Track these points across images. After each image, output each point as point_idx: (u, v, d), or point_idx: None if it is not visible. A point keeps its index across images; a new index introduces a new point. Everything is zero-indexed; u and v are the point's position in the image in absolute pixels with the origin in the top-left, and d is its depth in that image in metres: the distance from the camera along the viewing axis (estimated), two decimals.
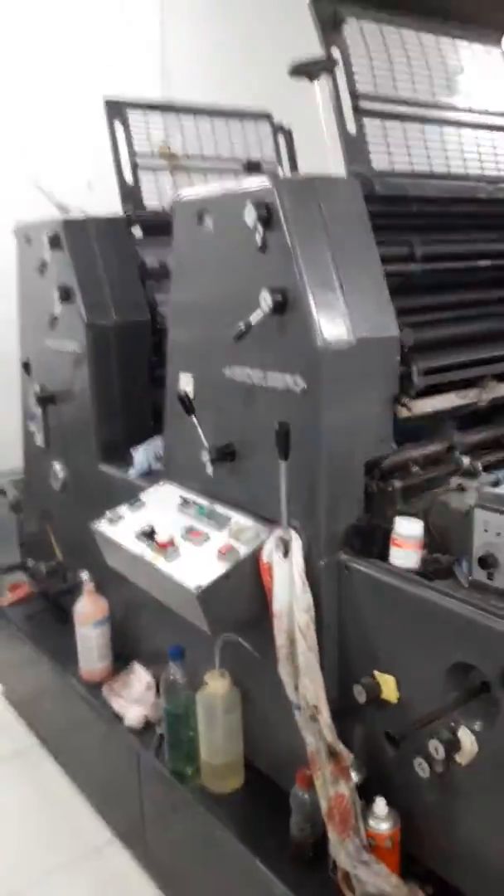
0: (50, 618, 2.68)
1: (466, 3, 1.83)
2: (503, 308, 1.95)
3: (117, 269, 2.24)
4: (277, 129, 2.74)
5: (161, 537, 1.64)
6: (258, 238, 1.42)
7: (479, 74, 1.94)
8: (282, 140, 2.75)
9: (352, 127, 1.61)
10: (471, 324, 1.83)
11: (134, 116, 2.44)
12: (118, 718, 2.10)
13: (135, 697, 2.12)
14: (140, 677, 2.20)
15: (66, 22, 3.71)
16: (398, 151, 1.70)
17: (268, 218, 1.43)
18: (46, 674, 2.50)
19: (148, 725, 2.05)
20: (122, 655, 2.32)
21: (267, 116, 2.73)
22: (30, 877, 2.10)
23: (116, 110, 2.41)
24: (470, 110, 1.89)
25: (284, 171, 2.75)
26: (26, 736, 2.72)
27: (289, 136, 2.75)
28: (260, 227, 1.42)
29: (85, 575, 2.42)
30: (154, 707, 2.06)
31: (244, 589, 1.53)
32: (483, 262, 1.88)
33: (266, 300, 1.43)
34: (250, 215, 1.43)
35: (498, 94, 1.98)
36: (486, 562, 1.27)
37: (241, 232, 1.49)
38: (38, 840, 2.24)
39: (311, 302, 1.41)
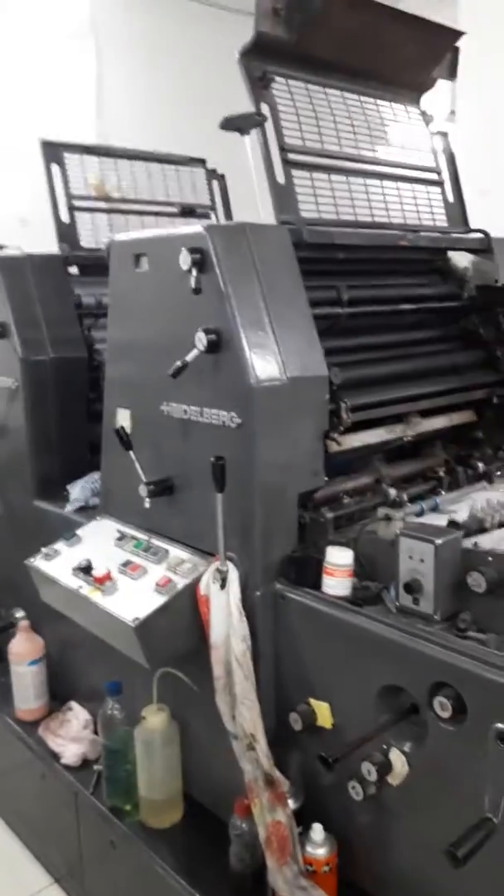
0: None
1: (387, 66, 1.96)
2: (425, 349, 2.08)
3: (54, 306, 2.26)
4: (211, 175, 2.84)
5: (98, 572, 1.66)
6: (192, 281, 1.48)
7: (400, 131, 2.07)
8: (216, 185, 2.84)
9: (281, 178, 1.70)
10: (395, 363, 1.93)
11: (70, 158, 2.49)
12: (55, 757, 2.07)
13: (72, 735, 2.11)
14: (78, 715, 2.18)
15: (2, 65, 3.76)
16: (325, 201, 1.80)
17: (201, 262, 1.49)
18: None
19: (85, 763, 2.04)
20: (58, 694, 2.30)
21: (202, 162, 2.83)
22: None
23: (53, 151, 2.46)
24: (391, 164, 2.02)
25: (218, 215, 2.84)
26: None
27: (222, 181, 2.85)
28: (194, 271, 1.49)
29: (20, 613, 2.40)
30: (92, 744, 2.05)
31: (182, 621, 1.56)
32: (406, 306, 1.99)
33: (201, 340, 1.49)
34: (185, 259, 1.49)
35: (417, 149, 2.12)
36: (412, 587, 1.34)
37: (176, 274, 1.55)
38: None
39: (244, 342, 1.48)
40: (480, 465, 1.97)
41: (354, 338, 1.87)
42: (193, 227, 1.54)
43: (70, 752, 2.05)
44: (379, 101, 2.01)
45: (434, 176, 2.14)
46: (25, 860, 2.25)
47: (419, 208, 2.09)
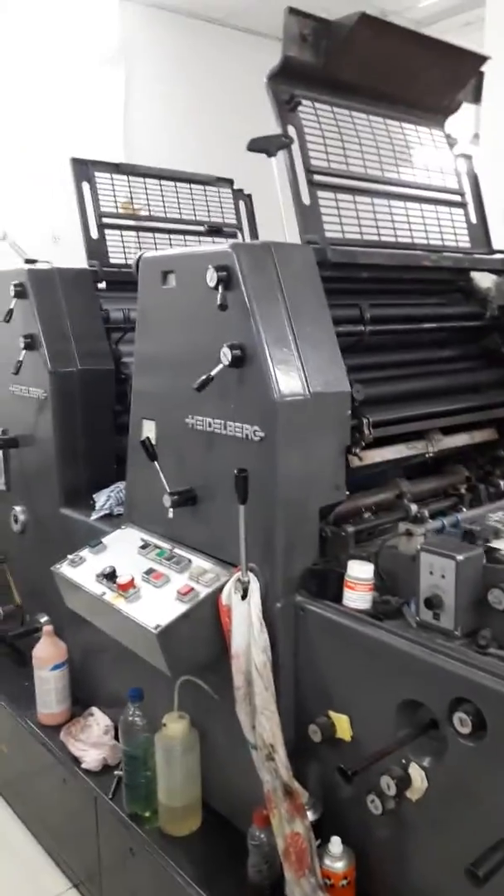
0: (8, 661, 2.68)
1: (412, 90, 2.00)
2: (447, 367, 2.10)
3: (82, 319, 2.32)
4: (238, 195, 2.89)
5: (122, 579, 1.69)
6: (219, 297, 1.52)
7: (424, 153, 2.11)
8: (242, 205, 2.90)
9: (307, 198, 1.74)
10: (416, 381, 1.96)
11: (100, 176, 2.56)
12: (76, 762, 2.10)
13: (93, 741, 2.14)
14: (99, 721, 2.22)
15: (35, 86, 3.87)
16: (349, 222, 1.84)
17: (228, 279, 1.53)
18: (3, 718, 2.49)
19: (106, 768, 2.07)
20: (80, 699, 2.34)
21: (229, 182, 2.88)
22: None
23: (83, 170, 2.52)
24: (415, 185, 2.05)
25: (244, 235, 2.89)
26: None
27: (249, 201, 2.90)
28: (220, 288, 1.53)
29: (44, 618, 2.45)
30: (112, 750, 2.08)
31: (203, 630, 1.59)
32: (428, 325, 2.02)
33: (226, 355, 1.53)
34: (211, 277, 1.53)
35: (440, 172, 2.15)
36: (432, 602, 1.36)
37: (202, 291, 1.59)
38: None
39: (269, 358, 1.51)
40: (502, 483, 1.98)
41: (377, 355, 1.90)
42: (220, 245, 1.58)
43: (91, 757, 2.08)
44: (404, 125, 2.04)
45: (457, 198, 2.17)
46: (45, 864, 2.28)
47: (442, 229, 2.12)
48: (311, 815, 1.53)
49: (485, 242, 2.22)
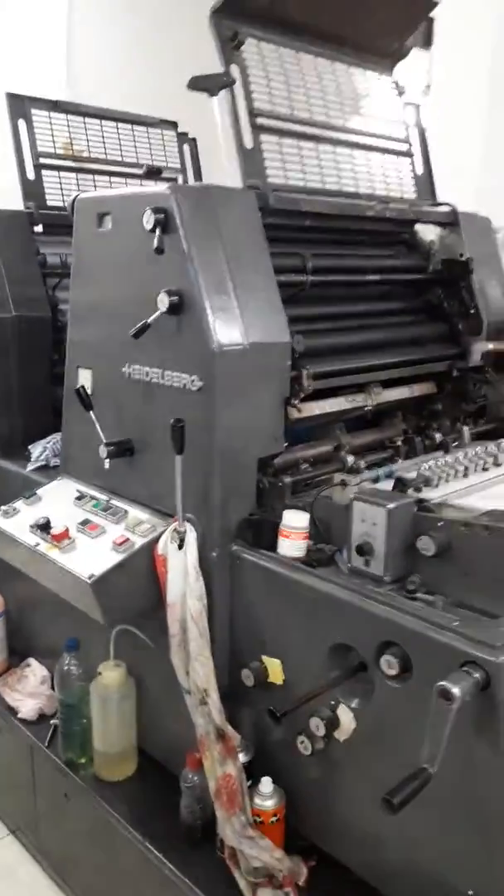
0: None
1: (361, 32, 1.96)
2: (389, 320, 2.10)
3: (17, 264, 2.24)
4: (182, 138, 2.80)
5: (56, 529, 1.67)
6: (156, 240, 1.48)
7: (372, 100, 2.07)
8: (186, 149, 2.81)
9: (249, 142, 1.69)
10: (358, 333, 1.96)
11: (38, 114, 2.44)
12: (12, 712, 2.10)
13: (29, 691, 2.14)
14: (35, 671, 2.21)
15: None
16: (292, 168, 1.80)
17: (165, 222, 1.49)
18: None
19: (42, 718, 2.08)
20: (17, 651, 2.32)
21: (173, 125, 2.79)
22: None
23: (19, 106, 2.40)
24: (362, 133, 2.02)
25: (188, 179, 2.81)
26: None
27: (193, 145, 2.82)
28: (158, 231, 1.48)
29: None
30: (49, 700, 2.09)
31: (138, 579, 1.59)
32: (371, 277, 2.01)
33: (163, 301, 1.49)
34: (148, 219, 1.49)
35: (388, 120, 2.12)
36: (363, 549, 1.38)
37: (140, 234, 1.54)
38: None
39: (207, 305, 1.48)
40: (438, 436, 2.01)
41: (318, 306, 1.88)
42: (159, 187, 1.53)
43: (27, 706, 2.08)
44: (352, 69, 2.00)
45: (404, 147, 2.15)
46: None
47: (388, 179, 2.10)
48: (242, 757, 1.57)
49: (430, 194, 2.21)
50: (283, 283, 1.68)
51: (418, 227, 2.25)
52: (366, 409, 1.98)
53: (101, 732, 1.84)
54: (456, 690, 1.12)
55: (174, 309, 1.50)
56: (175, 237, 1.50)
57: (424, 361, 2.05)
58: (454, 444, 2.01)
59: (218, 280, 1.51)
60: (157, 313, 1.51)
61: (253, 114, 1.72)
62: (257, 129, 1.72)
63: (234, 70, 1.70)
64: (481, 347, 2.10)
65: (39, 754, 1.99)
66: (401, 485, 1.54)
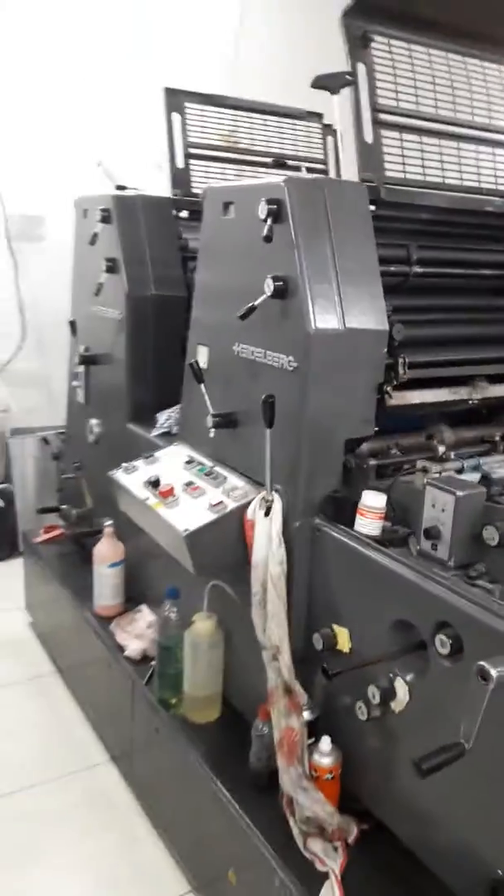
0: (77, 558, 2.95)
1: (497, 27, 1.95)
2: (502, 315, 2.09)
3: (160, 246, 2.45)
4: (327, 130, 2.89)
5: (163, 487, 1.86)
6: (265, 229, 1.60)
7: None
8: (330, 140, 2.90)
9: (369, 137, 1.77)
10: (468, 326, 1.97)
11: (191, 107, 2.63)
12: (120, 650, 2.34)
13: (137, 633, 2.37)
14: (146, 616, 2.44)
15: (144, 11, 3.94)
16: (413, 162, 1.85)
17: (277, 213, 1.61)
18: (67, 608, 2.77)
19: (145, 658, 2.29)
20: (134, 598, 2.57)
21: (318, 116, 2.89)
22: (30, 781, 2.38)
23: (175, 100, 2.61)
24: (491, 129, 2.01)
25: (329, 169, 2.90)
26: (46, 663, 3.01)
27: (336, 136, 2.90)
28: (269, 220, 1.61)
29: (108, 521, 2.68)
30: (152, 643, 2.29)
31: (228, 538, 1.74)
32: (487, 272, 2.01)
33: (269, 286, 1.62)
34: (262, 209, 1.62)
35: None
36: (431, 533, 1.44)
37: (257, 223, 1.67)
38: (41, 753, 2.51)
39: (308, 291, 1.59)
40: None
41: (428, 298, 1.93)
42: (274, 178, 1.65)
43: (133, 646, 2.31)
44: (486, 64, 2.00)
45: None
46: (90, 738, 2.57)
47: None
48: (307, 715, 1.68)
49: None
50: (390, 273, 1.75)
51: None
52: (470, 402, 1.99)
53: (190, 676, 2.02)
54: (493, 671, 1.17)
55: (279, 293, 1.62)
56: (285, 226, 1.62)
57: None
58: None
59: (321, 268, 1.61)
60: (263, 297, 1.64)
61: (376, 109, 1.79)
62: (379, 125, 1.79)
63: (361, 68, 1.77)
64: None
65: (138, 690, 2.21)
66: (486, 482, 1.57)
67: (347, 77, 1.71)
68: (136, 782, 2.30)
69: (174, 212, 2.57)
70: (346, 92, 1.85)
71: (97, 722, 2.59)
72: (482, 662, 1.19)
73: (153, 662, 2.22)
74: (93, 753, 2.50)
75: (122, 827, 2.21)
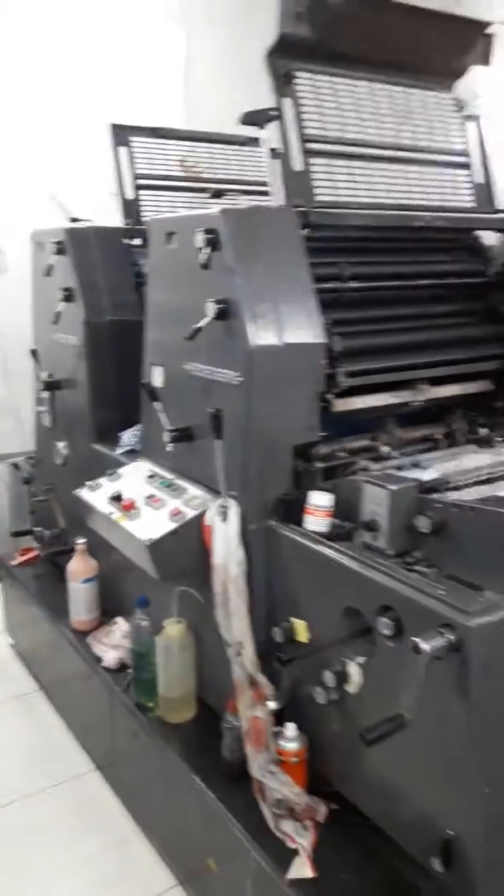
0: (53, 578, 3.05)
1: (415, 58, 2.11)
2: (442, 322, 2.24)
3: (114, 273, 2.57)
4: (275, 154, 3.04)
5: (125, 501, 1.98)
6: (203, 257, 1.74)
7: (428, 116, 2.22)
8: (277, 163, 3.04)
9: (299, 165, 1.91)
10: (406, 334, 2.12)
11: (137, 140, 2.77)
12: (98, 661, 2.44)
13: (113, 643, 2.47)
14: (121, 627, 2.54)
15: (98, 46, 4.09)
16: (344, 185, 2.00)
17: (215, 241, 1.74)
18: (45, 626, 2.86)
19: (122, 667, 2.39)
20: (109, 610, 2.67)
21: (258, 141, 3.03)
22: (20, 792, 2.46)
23: (121, 134, 2.75)
24: (415, 149, 2.17)
25: (278, 191, 3.04)
26: (29, 682, 3.09)
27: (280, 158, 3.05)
28: (208, 249, 1.74)
29: (80, 539, 2.78)
30: (128, 652, 2.40)
31: (189, 545, 1.86)
32: (422, 282, 2.16)
33: (212, 309, 1.75)
34: (200, 239, 1.75)
35: (445, 134, 2.26)
36: (370, 526, 1.57)
37: (196, 251, 1.81)
38: (28, 767, 2.60)
39: (247, 312, 1.72)
40: (482, 431, 2.14)
41: (365, 310, 2.07)
42: (210, 209, 1.79)
43: (110, 656, 2.41)
44: (408, 90, 2.16)
45: (462, 159, 2.28)
46: (75, 749, 2.66)
47: (444, 190, 2.24)
48: (272, 705, 1.80)
49: (488, 202, 2.32)
50: (327, 290, 1.89)
51: (482, 233, 2.38)
52: (414, 404, 2.14)
53: (164, 679, 2.12)
54: (425, 646, 1.30)
55: (221, 315, 1.75)
56: (222, 254, 1.75)
57: (472, 361, 2.18)
58: (499, 440, 2.13)
59: (258, 290, 1.75)
60: (207, 319, 1.77)
61: (304, 139, 1.94)
62: (308, 153, 1.94)
63: (287, 102, 1.92)
64: None
65: (117, 698, 2.31)
66: (421, 485, 1.70)
67: (272, 113, 1.85)
68: (121, 786, 2.40)
69: (127, 240, 2.69)
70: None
71: (81, 733, 2.68)
72: (415, 638, 1.32)
73: (129, 670, 2.32)
74: (78, 764, 2.59)
75: (110, 830, 2.30)
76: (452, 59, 2.19)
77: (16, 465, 3.35)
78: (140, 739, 2.19)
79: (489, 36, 2.20)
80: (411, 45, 2.06)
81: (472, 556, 1.46)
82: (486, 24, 2.12)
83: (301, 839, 1.69)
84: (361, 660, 1.60)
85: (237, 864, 1.75)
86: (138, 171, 2.78)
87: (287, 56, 1.92)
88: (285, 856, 1.67)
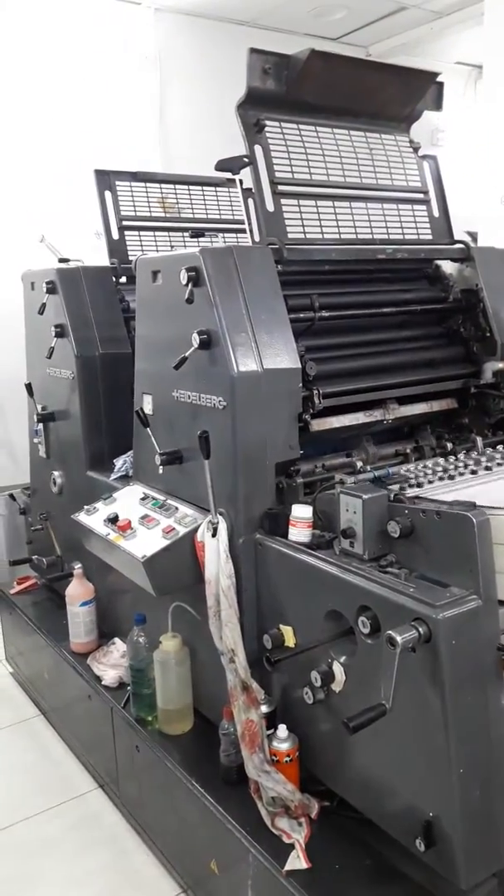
0: (51, 604, 3.16)
1: (372, 105, 2.30)
2: (406, 346, 2.41)
3: (103, 310, 2.73)
4: (248, 194, 3.23)
5: (121, 522, 2.10)
6: (186, 293, 1.90)
7: (388, 157, 2.41)
8: (251, 203, 3.23)
9: (271, 206, 2.08)
10: (375, 358, 2.28)
11: (120, 184, 2.95)
12: (98, 680, 2.54)
13: (112, 663, 2.57)
14: (119, 648, 2.65)
15: (76, 93, 4.33)
16: (311, 223, 2.17)
17: (196, 278, 1.90)
18: (45, 651, 2.96)
19: (122, 685, 2.49)
20: (107, 632, 2.78)
21: (239, 181, 3.22)
22: (26, 812, 2.54)
23: (105, 179, 2.93)
24: (377, 187, 2.35)
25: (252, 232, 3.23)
26: (30, 707, 3.18)
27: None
28: (190, 285, 1.90)
29: (77, 564, 2.90)
30: (127, 670, 2.50)
31: (182, 560, 1.99)
32: (388, 309, 2.33)
33: (196, 339, 1.90)
34: (183, 276, 1.91)
35: (404, 173, 2.44)
36: (347, 533, 1.71)
37: (180, 287, 1.96)
38: (32, 789, 2.68)
39: (229, 341, 1.88)
40: (449, 445, 2.29)
41: (337, 337, 2.23)
42: (191, 249, 1.95)
43: (109, 675, 2.52)
44: (368, 135, 2.35)
45: (420, 195, 2.46)
46: (77, 769, 2.74)
47: (404, 224, 2.42)
48: (264, 708, 1.91)
49: (446, 233, 2.50)
50: (300, 320, 2.05)
51: (441, 262, 2.55)
52: (385, 422, 2.29)
53: (163, 692, 2.23)
54: (398, 638, 1.43)
55: (204, 345, 1.90)
56: (204, 289, 1.91)
57: (436, 381, 2.34)
58: (464, 453, 2.28)
59: (237, 321, 1.90)
60: (192, 349, 1.92)
61: (274, 182, 2.11)
62: (278, 196, 2.11)
63: (258, 149, 2.10)
64: (492, 366, 2.36)
65: (118, 714, 2.41)
66: (380, 483, 1.85)
67: (245, 160, 2.02)
68: (124, 800, 2.48)
69: (114, 278, 2.85)
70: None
71: (82, 753, 2.77)
72: (390, 632, 1.45)
73: (129, 687, 2.43)
74: (81, 782, 2.68)
75: (115, 843, 2.39)
76: (407, 106, 2.38)
77: (12, 497, 3.48)
78: (141, 752, 2.28)
79: (440, 84, 2.40)
80: (369, 94, 2.25)
81: (439, 557, 1.60)
82: (436, 74, 2.32)
83: (296, 834, 1.79)
84: (343, 659, 1.72)
85: (237, 861, 1.85)
86: (123, 214, 2.95)
87: (256, 107, 2.10)
88: (282, 851, 1.77)
